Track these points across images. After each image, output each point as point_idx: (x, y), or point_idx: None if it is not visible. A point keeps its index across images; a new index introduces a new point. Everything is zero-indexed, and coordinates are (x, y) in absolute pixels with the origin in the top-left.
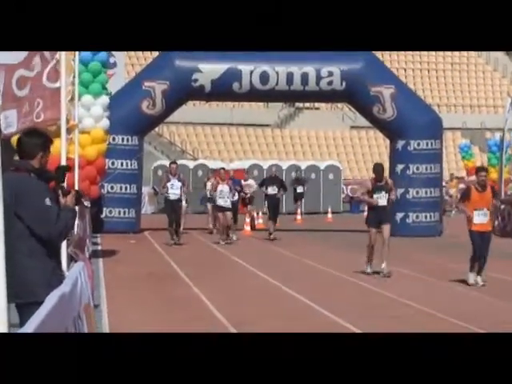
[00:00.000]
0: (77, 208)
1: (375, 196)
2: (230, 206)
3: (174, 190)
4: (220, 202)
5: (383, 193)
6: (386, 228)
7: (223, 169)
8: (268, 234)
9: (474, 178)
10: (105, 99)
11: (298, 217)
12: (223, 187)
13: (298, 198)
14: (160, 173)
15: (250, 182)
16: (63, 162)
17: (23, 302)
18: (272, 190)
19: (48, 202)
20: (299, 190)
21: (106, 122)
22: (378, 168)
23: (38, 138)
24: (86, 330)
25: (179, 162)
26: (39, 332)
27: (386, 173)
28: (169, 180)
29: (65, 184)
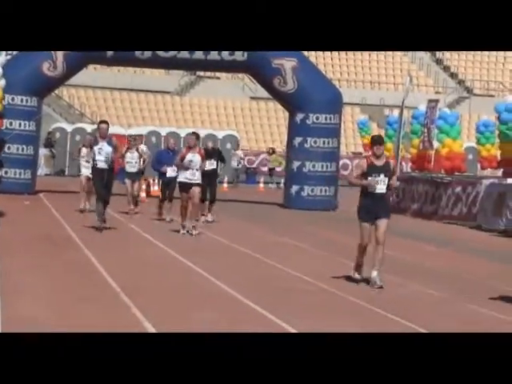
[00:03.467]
0: None
1: (370, 179)
2: (200, 181)
3: (103, 155)
4: (187, 175)
5: (382, 176)
6: (383, 224)
7: (194, 133)
8: (204, 219)
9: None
10: (2, 58)
11: None
12: (194, 157)
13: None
14: (58, 135)
15: (144, 147)
16: None
17: None
18: (209, 164)
19: None
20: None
21: (3, 82)
22: (378, 140)
23: None
24: None
25: (78, 125)
26: None
27: (283, 146)
28: (97, 143)
29: None
